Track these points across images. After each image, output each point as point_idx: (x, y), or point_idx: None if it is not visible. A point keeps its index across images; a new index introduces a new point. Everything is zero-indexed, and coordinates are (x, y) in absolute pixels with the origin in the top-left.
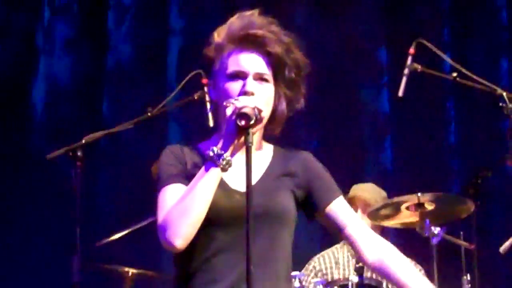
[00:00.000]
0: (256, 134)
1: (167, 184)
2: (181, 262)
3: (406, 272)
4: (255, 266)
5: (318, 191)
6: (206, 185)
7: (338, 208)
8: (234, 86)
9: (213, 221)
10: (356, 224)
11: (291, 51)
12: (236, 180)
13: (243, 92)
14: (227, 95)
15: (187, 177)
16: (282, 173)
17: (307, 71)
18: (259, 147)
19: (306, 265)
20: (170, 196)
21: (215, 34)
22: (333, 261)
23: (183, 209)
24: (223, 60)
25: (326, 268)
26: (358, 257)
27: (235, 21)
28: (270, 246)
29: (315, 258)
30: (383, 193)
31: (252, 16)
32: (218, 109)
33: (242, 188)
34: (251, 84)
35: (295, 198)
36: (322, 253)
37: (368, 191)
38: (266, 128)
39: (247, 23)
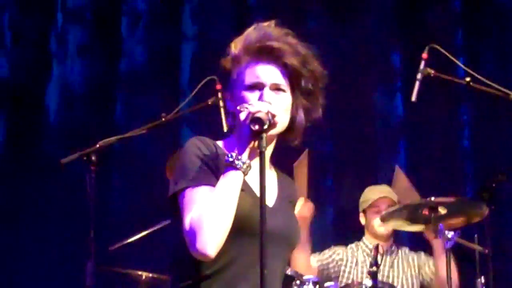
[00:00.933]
0: (272, 145)
1: (194, 185)
2: (197, 268)
3: None
4: (268, 284)
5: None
6: (231, 190)
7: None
8: (251, 97)
9: (238, 230)
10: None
11: (308, 62)
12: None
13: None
14: (241, 104)
15: (217, 176)
16: (288, 198)
17: (325, 82)
18: (270, 166)
19: (326, 250)
20: (199, 200)
21: (232, 46)
22: (350, 257)
23: (212, 216)
24: (241, 71)
25: (347, 261)
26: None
27: (251, 33)
28: (280, 267)
29: (339, 248)
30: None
31: (269, 27)
32: (236, 120)
33: (270, 202)
34: (267, 94)
35: None
36: (347, 247)
37: (390, 192)
38: (286, 139)
39: (264, 35)
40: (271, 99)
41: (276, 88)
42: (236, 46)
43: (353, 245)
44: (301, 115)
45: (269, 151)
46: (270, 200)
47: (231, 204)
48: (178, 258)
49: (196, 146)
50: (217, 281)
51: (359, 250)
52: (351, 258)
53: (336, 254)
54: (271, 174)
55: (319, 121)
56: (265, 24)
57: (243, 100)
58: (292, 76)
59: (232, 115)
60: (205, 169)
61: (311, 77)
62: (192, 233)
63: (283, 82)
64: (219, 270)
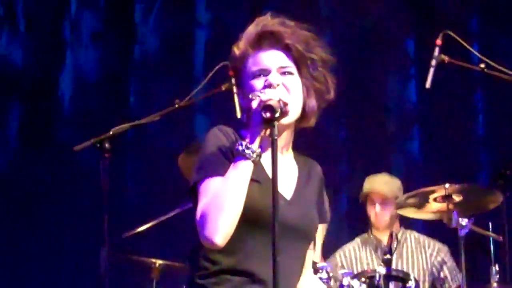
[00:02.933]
0: (286, 134)
1: (211, 176)
2: (213, 258)
3: None
4: (282, 276)
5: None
6: (239, 180)
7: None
8: (258, 83)
9: (254, 222)
10: (312, 253)
11: (310, 44)
12: (282, 185)
13: (268, 84)
14: (253, 92)
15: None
16: (307, 182)
17: (332, 62)
18: (288, 149)
19: (336, 254)
20: (211, 190)
21: (235, 48)
22: (353, 256)
23: (219, 205)
24: (247, 65)
25: (347, 264)
26: None
27: (250, 28)
28: (296, 260)
29: (336, 254)
30: (398, 183)
31: (265, 18)
32: (248, 115)
33: (287, 194)
34: (274, 76)
35: None
36: (343, 247)
37: (385, 184)
38: (301, 122)
39: (261, 25)
40: (278, 81)
41: (283, 71)
42: (238, 47)
43: (358, 240)
44: (312, 99)
45: (285, 139)
46: (288, 191)
47: (239, 193)
48: (195, 248)
49: (216, 137)
50: (233, 272)
51: (366, 245)
52: (354, 259)
53: (343, 256)
54: (290, 163)
55: (331, 103)
56: (262, 17)
57: (251, 89)
58: (297, 58)
59: (246, 110)
60: (223, 159)
61: (316, 59)
62: (201, 221)
63: (289, 64)
64: (236, 262)
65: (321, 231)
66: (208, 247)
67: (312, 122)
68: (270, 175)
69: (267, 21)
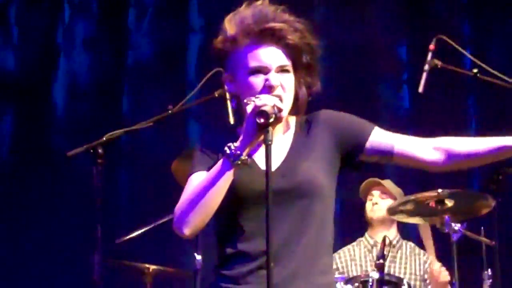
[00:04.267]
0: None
1: (193, 172)
2: (218, 247)
3: (474, 142)
4: (286, 244)
5: (351, 135)
6: (218, 180)
7: (378, 136)
8: (257, 81)
9: (245, 203)
10: (402, 139)
11: (305, 37)
12: (263, 161)
13: (269, 86)
14: (250, 91)
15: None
16: (307, 143)
17: (320, 53)
18: (285, 127)
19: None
20: (191, 185)
21: (226, 26)
22: (348, 257)
23: (192, 200)
24: (241, 54)
25: (342, 267)
26: (426, 167)
27: (246, 13)
28: (300, 220)
29: (340, 252)
30: (400, 190)
31: (263, 6)
32: (239, 103)
33: (274, 166)
34: (274, 77)
35: (332, 161)
36: (338, 251)
37: (387, 182)
38: (289, 113)
39: (261, 16)
40: (278, 82)
41: (281, 70)
42: (231, 27)
43: (354, 243)
44: (303, 91)
45: (280, 127)
46: (276, 163)
47: (214, 192)
48: (206, 242)
49: (206, 144)
50: (241, 256)
51: (361, 245)
52: (350, 260)
53: (338, 259)
54: (277, 137)
55: (323, 109)
56: (259, 2)
57: (248, 86)
58: (294, 54)
59: (236, 98)
60: (210, 157)
61: (309, 51)
62: (176, 211)
63: (287, 63)
64: (242, 246)
65: (380, 130)
66: (178, 235)
67: (301, 112)
68: (257, 161)
69: (266, 11)
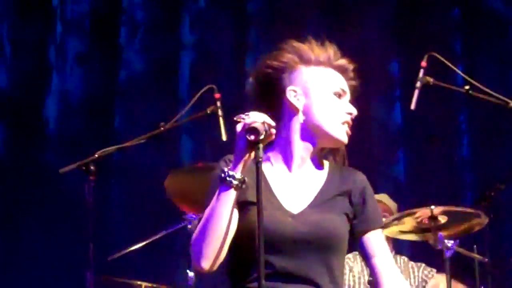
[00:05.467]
0: (298, 149)
1: (206, 205)
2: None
3: None
4: None
5: (362, 217)
6: (221, 206)
7: (374, 239)
8: (339, 103)
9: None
10: (384, 258)
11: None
12: (291, 201)
13: (349, 113)
14: (328, 109)
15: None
16: (337, 193)
17: None
18: (317, 165)
19: None
20: (203, 218)
21: (300, 45)
22: (347, 267)
23: (203, 231)
24: (320, 73)
25: (345, 274)
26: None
27: (317, 47)
28: (319, 271)
29: None
30: (396, 205)
31: (332, 46)
32: (308, 119)
33: (295, 209)
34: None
35: (348, 219)
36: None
37: (383, 196)
38: (324, 156)
39: (336, 51)
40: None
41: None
42: (310, 47)
43: (350, 255)
44: None
45: (299, 154)
46: (299, 205)
47: (219, 220)
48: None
49: (219, 167)
50: None
51: (357, 259)
52: (348, 270)
53: None
54: (312, 176)
55: None
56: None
57: (329, 105)
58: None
59: (305, 113)
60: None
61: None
62: (191, 249)
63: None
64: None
65: (380, 234)
66: (199, 272)
67: (341, 160)
68: (279, 197)
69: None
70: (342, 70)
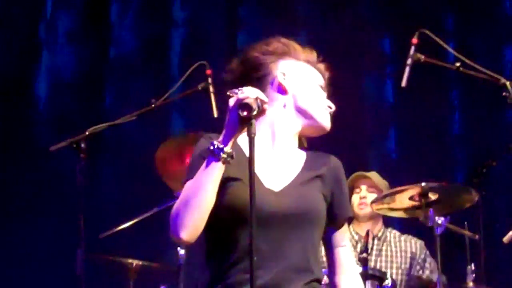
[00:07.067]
0: (294, 137)
1: (189, 178)
2: (210, 263)
3: None
4: (291, 270)
5: (333, 205)
6: (206, 179)
7: (341, 229)
8: (321, 95)
9: (242, 219)
10: (347, 250)
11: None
12: (271, 179)
13: (330, 107)
14: (311, 98)
15: None
16: (314, 175)
17: None
18: (294, 151)
19: None
20: (184, 190)
21: (288, 42)
22: None
23: (186, 202)
24: (305, 65)
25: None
26: (328, 274)
27: (306, 48)
28: (304, 249)
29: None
30: (386, 183)
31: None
32: (296, 100)
33: (277, 187)
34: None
35: (325, 201)
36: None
37: (374, 175)
38: (304, 136)
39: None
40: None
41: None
42: (294, 44)
43: None
44: None
45: (283, 134)
46: (279, 183)
47: (205, 192)
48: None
49: (201, 144)
50: (235, 271)
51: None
52: None
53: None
54: (292, 156)
55: None
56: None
57: (312, 94)
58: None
59: (292, 95)
60: (202, 162)
61: None
62: (171, 218)
63: None
64: (235, 260)
65: (346, 225)
66: (176, 242)
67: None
68: (260, 176)
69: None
70: (322, 73)
